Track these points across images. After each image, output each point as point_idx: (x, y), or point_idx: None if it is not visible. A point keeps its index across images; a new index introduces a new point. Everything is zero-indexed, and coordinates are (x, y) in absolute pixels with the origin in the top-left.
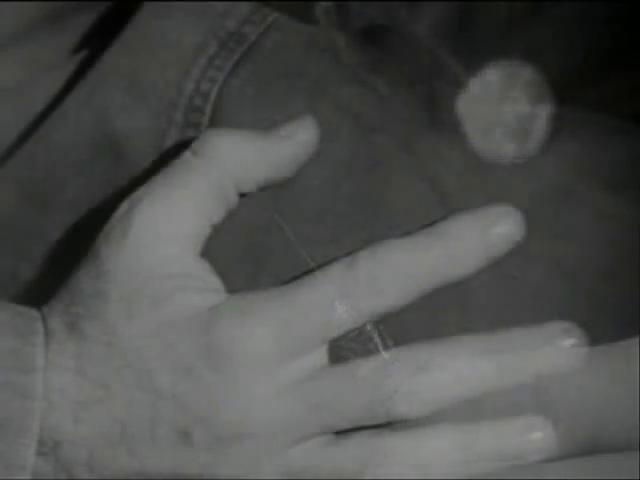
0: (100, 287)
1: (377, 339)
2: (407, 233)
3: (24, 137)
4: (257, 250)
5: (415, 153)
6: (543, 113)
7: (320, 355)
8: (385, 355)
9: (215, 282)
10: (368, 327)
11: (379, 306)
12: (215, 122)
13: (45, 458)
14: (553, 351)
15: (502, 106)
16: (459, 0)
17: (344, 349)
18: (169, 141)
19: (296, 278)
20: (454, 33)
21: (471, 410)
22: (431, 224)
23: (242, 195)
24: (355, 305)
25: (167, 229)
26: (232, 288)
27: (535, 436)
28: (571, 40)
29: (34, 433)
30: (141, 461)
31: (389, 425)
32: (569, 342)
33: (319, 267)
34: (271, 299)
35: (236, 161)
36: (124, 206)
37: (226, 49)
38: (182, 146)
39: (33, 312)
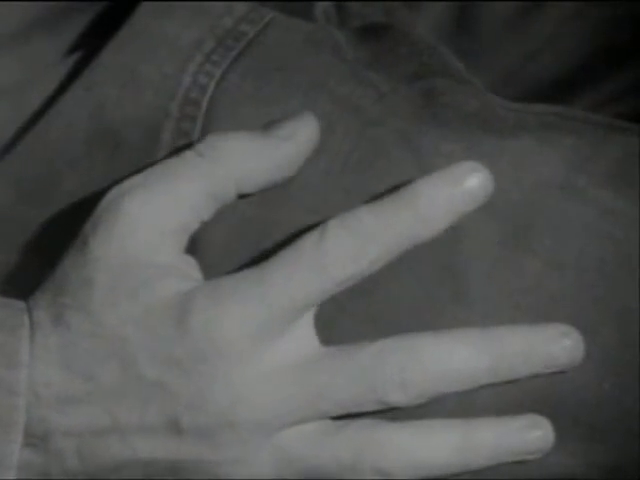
0: (86, 275)
1: None
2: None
3: (21, 135)
4: (254, 241)
5: (415, 148)
6: None
7: (307, 334)
8: (380, 343)
9: (197, 275)
10: None
11: (353, 273)
12: (211, 115)
13: (35, 450)
14: (549, 353)
15: None
16: (459, 0)
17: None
18: (165, 134)
19: None
20: (454, 33)
21: (466, 400)
22: (399, 187)
23: (241, 196)
24: (329, 274)
25: (153, 218)
26: None
27: (534, 434)
28: (571, 40)
29: (20, 429)
30: (133, 449)
31: (385, 414)
32: (565, 344)
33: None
34: (245, 278)
35: (238, 164)
36: (112, 193)
37: (223, 46)
38: (182, 146)
39: (20, 304)
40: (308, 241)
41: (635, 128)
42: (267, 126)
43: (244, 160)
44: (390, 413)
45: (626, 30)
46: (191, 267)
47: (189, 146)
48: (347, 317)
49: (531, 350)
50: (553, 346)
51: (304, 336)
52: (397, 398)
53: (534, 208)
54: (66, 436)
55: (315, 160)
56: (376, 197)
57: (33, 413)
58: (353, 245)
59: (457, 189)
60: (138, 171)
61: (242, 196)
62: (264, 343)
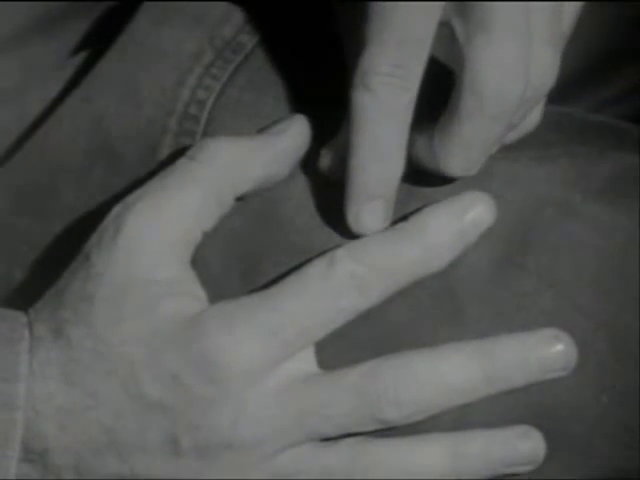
0: (89, 290)
1: None
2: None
3: (19, 142)
4: (250, 259)
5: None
6: None
7: (308, 358)
8: (374, 362)
9: (198, 291)
10: None
11: (361, 303)
12: (210, 130)
13: (33, 465)
14: (543, 357)
15: None
16: (459, 0)
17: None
18: (163, 148)
19: None
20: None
21: (461, 418)
22: (406, 217)
23: (239, 199)
24: (338, 305)
25: (157, 233)
26: (224, 296)
27: (525, 446)
28: (571, 40)
29: (17, 444)
30: (131, 467)
31: (378, 432)
32: (558, 348)
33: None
34: (255, 306)
35: (232, 163)
36: (117, 209)
37: (222, 58)
38: (178, 154)
39: (20, 317)
40: (317, 270)
41: (635, 130)
42: (259, 131)
43: (237, 158)
44: (385, 432)
45: (627, 31)
46: (193, 282)
47: (182, 153)
48: (347, 340)
49: (524, 356)
50: (546, 350)
51: (304, 360)
52: (393, 415)
53: (528, 226)
54: (64, 452)
55: (312, 182)
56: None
57: (32, 428)
58: (361, 277)
59: (463, 222)
60: (139, 185)
61: (238, 211)
62: (269, 369)
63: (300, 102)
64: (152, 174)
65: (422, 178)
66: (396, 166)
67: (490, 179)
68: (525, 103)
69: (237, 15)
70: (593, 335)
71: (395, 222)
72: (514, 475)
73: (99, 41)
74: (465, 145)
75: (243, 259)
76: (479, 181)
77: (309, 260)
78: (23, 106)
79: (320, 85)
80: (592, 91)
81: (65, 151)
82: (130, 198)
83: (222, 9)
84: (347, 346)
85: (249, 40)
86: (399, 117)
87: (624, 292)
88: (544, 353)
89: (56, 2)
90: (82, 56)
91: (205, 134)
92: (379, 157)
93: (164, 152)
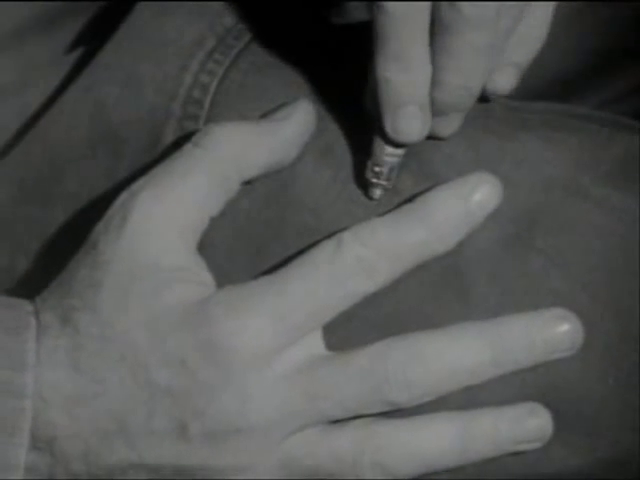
0: (96, 277)
1: None
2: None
3: (20, 135)
4: (257, 242)
5: (416, 151)
6: None
7: (315, 341)
8: (382, 344)
9: (206, 277)
10: None
11: (369, 286)
12: (213, 114)
13: (41, 453)
14: (549, 337)
15: None
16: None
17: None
18: (167, 133)
19: None
20: None
21: (469, 400)
22: (412, 199)
23: (246, 183)
24: (345, 288)
25: (164, 220)
26: (231, 279)
27: (532, 423)
28: (571, 40)
29: (26, 432)
30: (140, 453)
31: (387, 414)
32: (564, 328)
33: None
34: (263, 290)
35: (237, 149)
36: (123, 196)
37: (224, 44)
38: (182, 140)
39: (26, 305)
40: (323, 253)
41: (638, 125)
42: (263, 115)
43: (242, 144)
44: (392, 413)
45: (626, 30)
46: (201, 268)
47: (187, 138)
48: (355, 322)
49: (531, 336)
50: (552, 330)
51: (312, 343)
52: (402, 397)
53: (537, 207)
54: (72, 439)
55: (322, 168)
56: (380, 203)
57: (40, 416)
58: (368, 260)
59: (469, 204)
60: (144, 171)
61: (245, 193)
62: (276, 353)
63: (304, 84)
64: (157, 160)
65: (433, 157)
66: (424, 72)
67: (500, 160)
68: (505, 13)
69: (236, 7)
70: (600, 316)
71: (401, 204)
72: (520, 454)
73: (95, 39)
74: (455, 55)
75: (251, 242)
76: (488, 163)
77: (317, 242)
78: (22, 102)
79: (323, 66)
80: (593, 91)
81: (67, 140)
82: (136, 185)
83: (221, 3)
84: (355, 327)
85: (251, 27)
86: (418, 24)
87: (631, 274)
88: (550, 333)
89: (53, 2)
90: (79, 53)
91: (209, 118)
92: (405, 68)
93: (168, 137)
